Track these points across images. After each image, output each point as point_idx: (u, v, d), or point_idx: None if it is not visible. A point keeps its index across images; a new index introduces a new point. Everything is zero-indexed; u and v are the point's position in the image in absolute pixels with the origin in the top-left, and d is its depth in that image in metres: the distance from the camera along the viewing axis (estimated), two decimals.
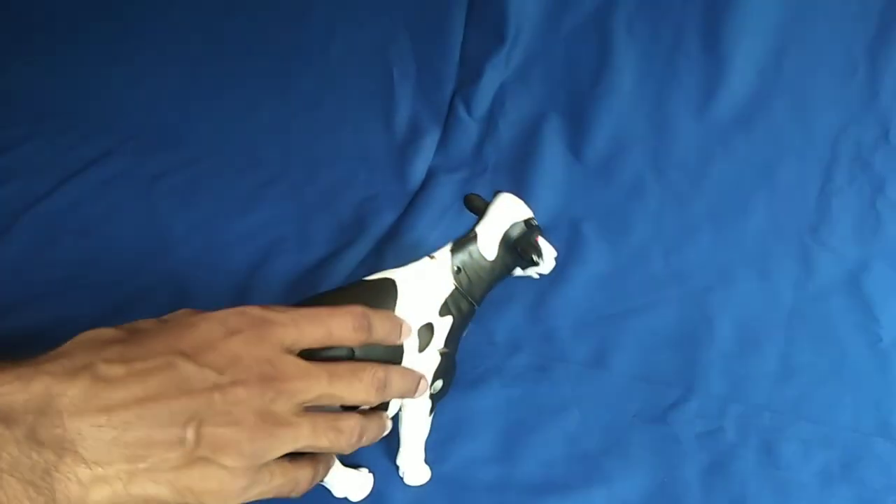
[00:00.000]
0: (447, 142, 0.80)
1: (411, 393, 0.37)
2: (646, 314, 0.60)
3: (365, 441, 0.35)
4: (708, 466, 0.48)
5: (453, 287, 0.40)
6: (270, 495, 0.32)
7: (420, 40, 0.81)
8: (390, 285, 0.39)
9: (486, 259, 0.41)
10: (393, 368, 0.36)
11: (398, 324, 0.36)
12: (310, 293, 0.61)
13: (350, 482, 0.42)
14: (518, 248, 0.42)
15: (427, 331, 0.39)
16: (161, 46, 0.92)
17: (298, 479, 0.33)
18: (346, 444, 0.34)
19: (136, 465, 0.28)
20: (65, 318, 0.58)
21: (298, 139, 0.83)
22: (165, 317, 0.36)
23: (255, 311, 0.33)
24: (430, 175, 0.77)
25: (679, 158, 0.72)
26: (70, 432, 0.27)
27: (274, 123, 0.85)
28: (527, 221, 0.43)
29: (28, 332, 0.57)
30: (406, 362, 0.38)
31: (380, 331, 0.35)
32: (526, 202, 0.44)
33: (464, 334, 0.42)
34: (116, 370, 0.29)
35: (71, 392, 0.28)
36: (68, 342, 0.31)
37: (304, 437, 0.32)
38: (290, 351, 0.33)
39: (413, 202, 0.74)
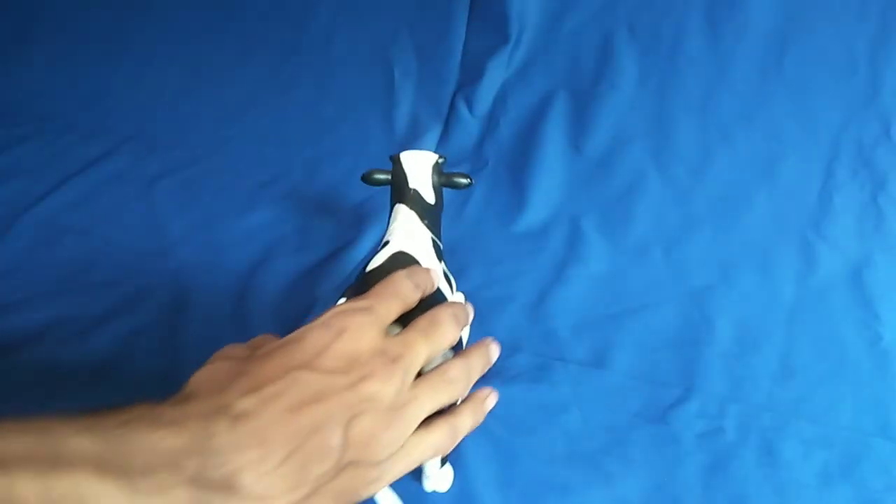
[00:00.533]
0: (448, 140, 0.80)
1: (469, 315, 0.39)
2: (646, 314, 0.60)
3: (479, 375, 0.37)
4: (708, 466, 0.47)
5: (430, 235, 0.46)
6: (417, 465, 0.33)
7: (422, 39, 0.81)
8: (408, 257, 0.43)
9: (430, 203, 0.48)
10: (446, 304, 0.38)
11: (429, 272, 0.40)
12: (310, 293, 0.62)
13: (440, 475, 0.44)
14: (451, 183, 0.50)
15: (445, 277, 0.44)
16: (161, 46, 0.92)
17: (436, 442, 0.34)
18: (464, 388, 0.36)
19: (300, 489, 0.28)
20: (65, 318, 0.58)
21: (298, 139, 0.83)
22: (251, 342, 0.36)
23: (346, 307, 0.34)
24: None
25: (680, 155, 0.72)
26: (232, 471, 0.27)
27: (274, 123, 0.85)
28: (436, 162, 0.50)
29: (28, 332, 0.57)
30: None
31: (425, 284, 0.38)
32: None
33: None
34: (251, 401, 0.28)
35: (220, 432, 0.27)
36: (188, 383, 0.31)
37: (427, 403, 0.33)
38: (386, 331, 0.34)
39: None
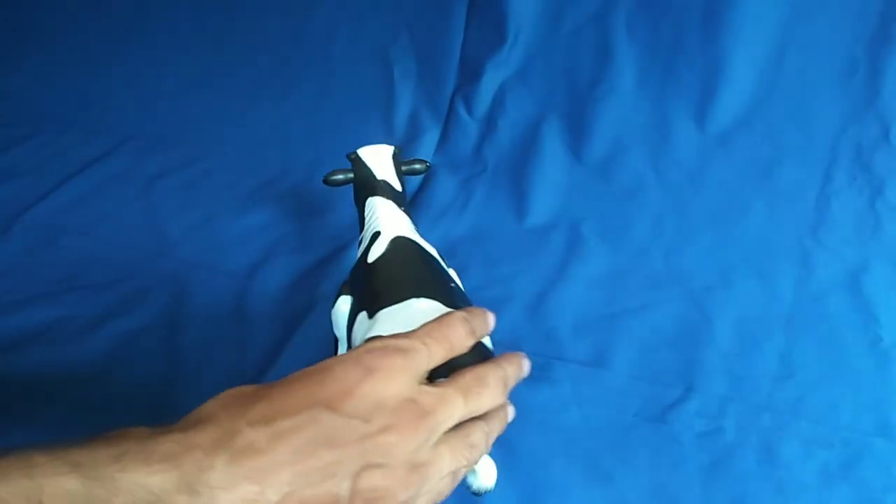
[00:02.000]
0: (447, 141, 0.80)
1: (522, 373, 0.37)
2: (646, 314, 0.60)
3: (494, 439, 0.35)
4: (708, 466, 0.48)
5: (411, 220, 0.48)
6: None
7: (420, 40, 0.81)
8: (409, 240, 0.44)
9: (399, 191, 0.50)
10: (497, 363, 0.35)
11: (487, 316, 0.36)
12: (310, 293, 0.62)
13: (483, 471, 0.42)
14: (411, 170, 0.54)
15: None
16: (161, 47, 0.92)
17: (453, 481, 0.32)
18: (481, 453, 0.33)
19: None
20: (65, 318, 0.58)
21: (298, 139, 0.83)
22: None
23: (383, 343, 0.32)
24: (430, 174, 0.78)
25: (679, 159, 0.72)
26: None
27: (274, 123, 0.85)
28: (394, 152, 0.52)
29: (28, 332, 0.57)
30: None
31: (482, 330, 0.36)
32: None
33: None
34: (261, 434, 0.27)
35: (217, 466, 0.26)
36: (211, 401, 0.29)
37: (446, 466, 0.31)
38: (423, 379, 0.32)
39: (413, 202, 0.74)
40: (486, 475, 0.41)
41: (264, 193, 0.77)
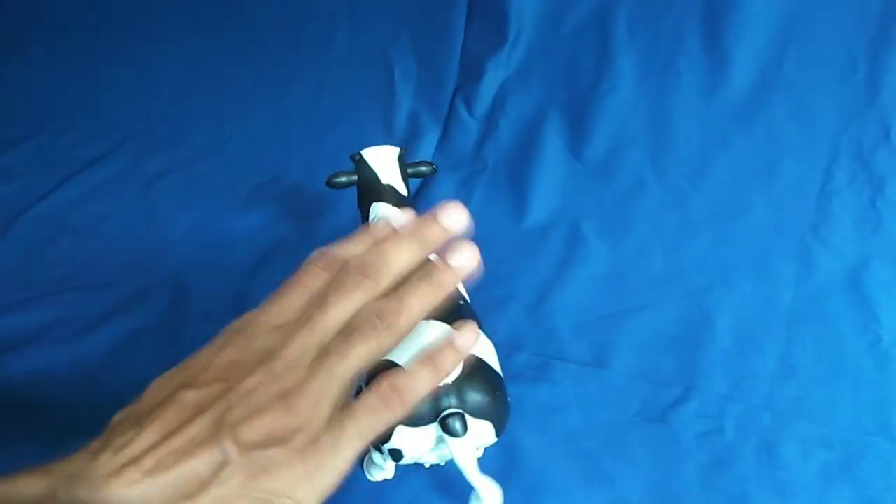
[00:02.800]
0: (447, 141, 0.80)
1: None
2: (646, 314, 0.60)
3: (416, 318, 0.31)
4: (708, 466, 0.47)
5: None
6: (368, 438, 0.29)
7: (421, 40, 0.81)
8: None
9: (405, 196, 0.49)
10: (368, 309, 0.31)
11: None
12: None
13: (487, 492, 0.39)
14: (416, 172, 0.52)
15: None
16: (161, 47, 0.92)
17: (375, 406, 0.30)
18: (394, 335, 0.30)
19: (197, 501, 0.26)
20: (65, 318, 0.58)
21: (298, 139, 0.83)
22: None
23: (234, 323, 0.32)
24: (431, 174, 0.77)
25: (679, 158, 0.72)
26: (106, 489, 0.25)
27: (273, 123, 0.85)
28: (400, 153, 0.50)
29: (28, 332, 0.57)
30: None
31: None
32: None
33: None
34: (128, 428, 0.27)
35: (94, 466, 0.26)
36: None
37: (342, 369, 0.29)
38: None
39: (413, 201, 0.74)
40: (490, 500, 0.39)
41: (264, 193, 0.77)
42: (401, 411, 0.30)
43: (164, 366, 0.57)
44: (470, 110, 0.79)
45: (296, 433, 0.27)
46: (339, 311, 0.30)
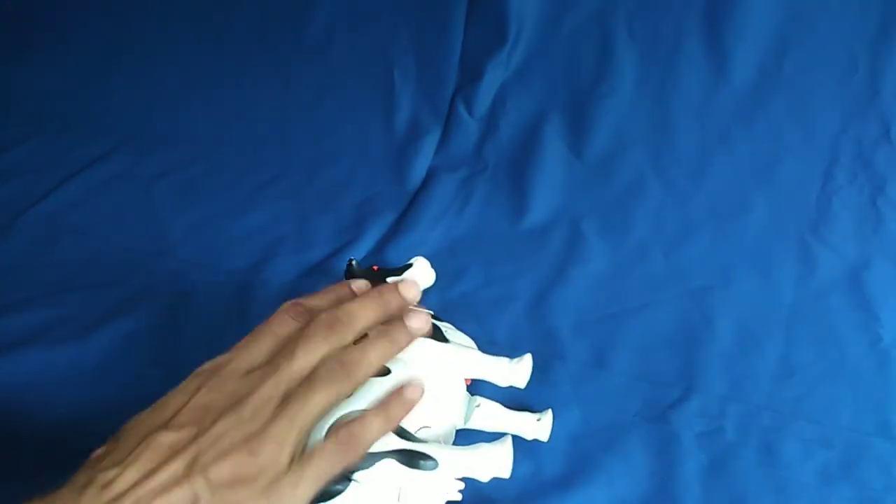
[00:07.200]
0: (447, 141, 0.80)
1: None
2: (646, 314, 0.60)
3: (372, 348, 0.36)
4: (708, 466, 0.48)
5: None
6: (325, 479, 0.33)
7: (421, 40, 0.81)
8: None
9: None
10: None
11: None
12: (310, 293, 0.62)
13: (490, 460, 0.40)
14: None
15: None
16: (161, 46, 0.92)
17: (333, 451, 0.34)
18: (352, 384, 0.35)
19: None
20: (65, 318, 0.58)
21: (298, 139, 0.83)
22: None
23: (206, 365, 0.35)
24: (431, 175, 0.77)
25: (679, 157, 0.72)
26: None
27: (274, 123, 0.85)
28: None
29: (28, 332, 0.57)
30: None
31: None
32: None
33: None
34: (111, 471, 0.30)
35: (82, 501, 0.28)
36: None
37: (304, 416, 0.32)
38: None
39: (413, 202, 0.74)
40: (499, 465, 0.40)
41: (264, 193, 0.77)
42: (353, 456, 0.34)
43: (164, 366, 0.57)
44: (470, 111, 0.79)
45: (260, 474, 0.31)
46: (304, 362, 0.34)
